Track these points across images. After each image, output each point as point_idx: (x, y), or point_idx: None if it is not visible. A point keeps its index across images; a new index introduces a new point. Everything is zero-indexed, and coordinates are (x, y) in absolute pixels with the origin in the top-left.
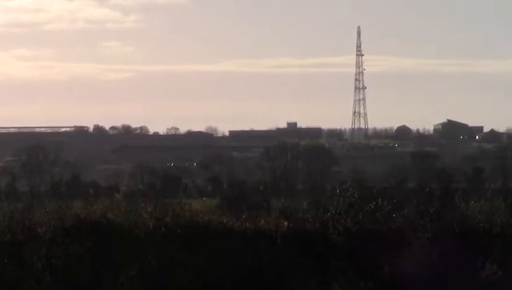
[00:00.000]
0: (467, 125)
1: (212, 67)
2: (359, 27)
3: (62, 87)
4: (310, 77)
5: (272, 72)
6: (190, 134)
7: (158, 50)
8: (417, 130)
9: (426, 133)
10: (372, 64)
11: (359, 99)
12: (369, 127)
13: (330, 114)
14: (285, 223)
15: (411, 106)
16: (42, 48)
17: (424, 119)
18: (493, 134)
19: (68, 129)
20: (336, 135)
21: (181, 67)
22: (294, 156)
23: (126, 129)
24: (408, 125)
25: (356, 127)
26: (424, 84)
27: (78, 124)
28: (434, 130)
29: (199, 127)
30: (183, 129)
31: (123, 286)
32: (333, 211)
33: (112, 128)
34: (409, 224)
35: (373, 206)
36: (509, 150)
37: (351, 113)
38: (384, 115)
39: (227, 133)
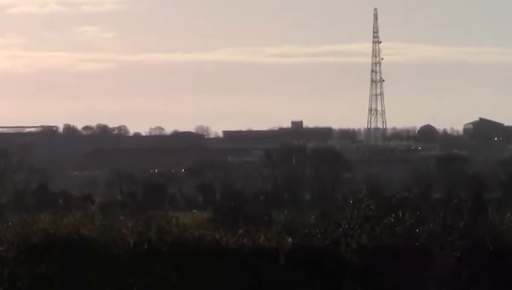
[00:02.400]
0: (503, 124)
1: (204, 57)
2: (376, 9)
3: (28, 80)
4: (319, 68)
5: (274, 62)
6: (177, 135)
7: (142, 36)
8: (444, 130)
9: (454, 133)
10: (391, 52)
11: (376, 94)
12: (388, 126)
13: (341, 111)
14: (289, 240)
15: (437, 102)
16: (6, 35)
17: (452, 118)
18: None
19: (34, 129)
20: (348, 135)
21: (168, 57)
22: (299, 161)
23: (102, 129)
24: (433, 124)
25: (372, 126)
26: (453, 77)
27: (46, 124)
28: (464, 130)
29: (188, 126)
30: (168, 129)
31: None
32: (346, 226)
33: (86, 128)
34: (434, 240)
35: (392, 220)
36: None
37: (366, 110)
38: (405, 113)
39: (220, 134)
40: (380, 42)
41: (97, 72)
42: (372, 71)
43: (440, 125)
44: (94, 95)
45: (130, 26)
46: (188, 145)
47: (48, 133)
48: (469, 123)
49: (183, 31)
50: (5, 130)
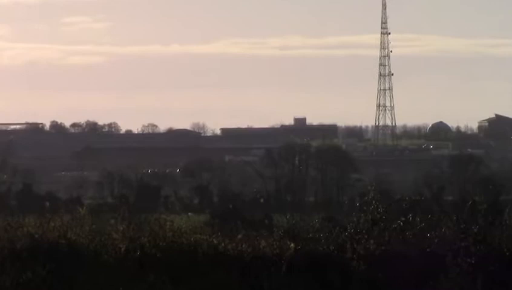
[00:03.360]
0: None
1: (202, 49)
2: None
3: (13, 74)
4: (324, 61)
5: (276, 55)
6: (171, 133)
7: (136, 27)
8: (458, 127)
9: (469, 131)
10: (401, 44)
11: (385, 89)
12: (397, 124)
13: (348, 108)
14: (292, 245)
15: (451, 97)
16: None
17: (467, 115)
18: None
19: (18, 126)
20: (355, 134)
21: (164, 49)
22: (303, 161)
23: (92, 127)
24: (446, 122)
25: (380, 124)
26: (467, 71)
27: (31, 120)
28: (479, 127)
29: (183, 124)
30: (162, 127)
31: None
32: (352, 230)
33: (74, 125)
34: (447, 246)
35: (402, 224)
36: None
37: (374, 106)
38: (415, 109)
39: (218, 132)
40: (389, 33)
41: (86, 66)
42: (380, 64)
43: (453, 123)
44: (84, 89)
45: (123, 16)
46: (183, 144)
47: (33, 130)
48: (485, 120)
49: (179, 22)
50: None
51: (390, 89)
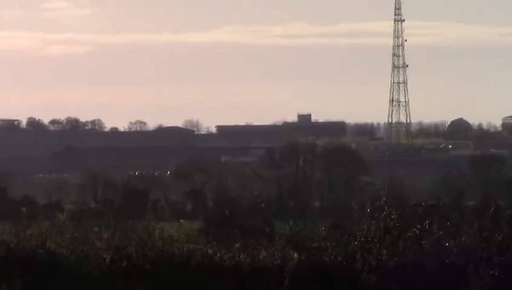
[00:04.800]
0: None
1: (197, 37)
2: None
3: None
4: (331, 51)
5: (279, 44)
6: (162, 130)
7: (123, 13)
8: (480, 125)
9: (492, 129)
10: (417, 33)
11: (399, 83)
12: (412, 121)
13: (357, 103)
14: (295, 256)
15: (472, 91)
16: None
17: (489, 111)
18: None
19: None
20: (366, 132)
21: (155, 38)
22: (308, 162)
23: (73, 124)
24: (466, 118)
25: (394, 121)
26: (491, 62)
27: (6, 117)
28: (503, 125)
29: (175, 121)
30: (151, 124)
31: None
32: (362, 239)
33: (54, 122)
34: (468, 256)
35: (417, 232)
36: None
37: (387, 101)
38: (432, 105)
39: (213, 130)
40: (403, 20)
41: (68, 56)
42: (394, 55)
43: (474, 120)
44: (64, 83)
45: (109, 1)
46: (175, 143)
47: (8, 128)
48: (509, 117)
49: (172, 7)
50: None
51: (405, 82)
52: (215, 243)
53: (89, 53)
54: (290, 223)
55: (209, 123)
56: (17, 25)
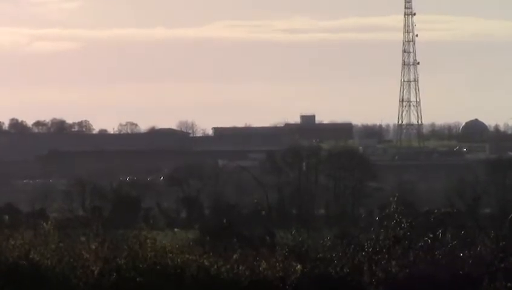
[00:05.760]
0: None
1: (192, 33)
2: None
3: None
4: (336, 47)
5: (281, 40)
6: (154, 133)
7: (114, 7)
8: (496, 126)
9: (509, 131)
10: (429, 27)
11: (409, 81)
12: (424, 122)
13: (365, 103)
14: (299, 267)
15: (488, 90)
16: None
17: (506, 111)
18: None
19: None
20: (374, 134)
21: (146, 33)
22: (312, 166)
23: (59, 126)
24: (482, 119)
25: (404, 122)
26: (508, 59)
27: None
28: None
29: (168, 122)
30: (143, 126)
31: None
32: (370, 249)
33: (38, 124)
34: (484, 268)
35: (429, 242)
36: None
37: (396, 101)
38: (446, 105)
39: (210, 132)
40: (415, 14)
41: (54, 53)
42: (404, 51)
43: (490, 121)
44: (50, 81)
45: None
46: (168, 147)
47: None
48: None
49: (165, 0)
50: None
51: (416, 80)
52: (211, 254)
53: (77, 49)
54: (293, 232)
55: (205, 125)
56: (2, 19)
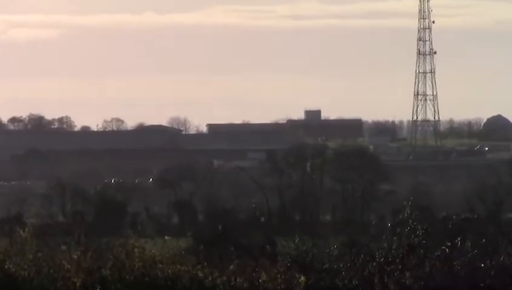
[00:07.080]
0: None
1: (186, 18)
2: None
3: None
4: (346, 35)
5: (285, 27)
6: (142, 130)
7: None
8: None
9: None
10: (447, 13)
11: (425, 72)
12: (441, 118)
13: (376, 97)
14: (302, 279)
15: None
16: None
17: None
18: None
19: None
20: (386, 131)
21: (135, 19)
22: (317, 167)
23: (37, 122)
24: (505, 115)
25: (419, 118)
26: None
27: None
28: None
29: (158, 118)
30: (130, 122)
31: None
32: (382, 259)
33: (14, 120)
34: (507, 279)
35: (447, 251)
36: None
37: (411, 95)
38: (465, 99)
39: (204, 129)
40: None
41: (32, 41)
42: (419, 40)
43: None
44: (27, 73)
45: None
46: (158, 145)
47: None
48: None
49: None
50: None
51: (432, 72)
52: (205, 264)
53: (58, 38)
54: (296, 241)
55: (198, 121)
56: None
